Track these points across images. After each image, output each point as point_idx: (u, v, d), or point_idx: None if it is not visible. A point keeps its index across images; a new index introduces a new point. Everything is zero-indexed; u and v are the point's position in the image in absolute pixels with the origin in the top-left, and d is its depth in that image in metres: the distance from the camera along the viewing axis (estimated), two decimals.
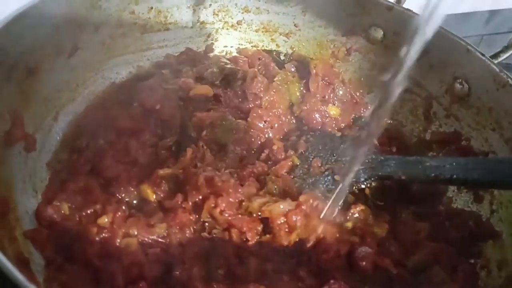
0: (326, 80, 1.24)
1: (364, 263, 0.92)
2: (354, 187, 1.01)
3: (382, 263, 0.93)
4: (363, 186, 1.02)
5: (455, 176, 0.92)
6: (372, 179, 1.02)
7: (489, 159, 1.05)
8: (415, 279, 0.93)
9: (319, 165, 1.06)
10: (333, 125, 1.21)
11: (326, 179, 1.03)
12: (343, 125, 1.22)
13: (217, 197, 0.92)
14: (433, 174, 0.95)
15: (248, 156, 1.08)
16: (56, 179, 0.96)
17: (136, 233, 0.86)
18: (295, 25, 1.29)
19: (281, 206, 0.93)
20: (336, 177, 1.03)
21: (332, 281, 0.84)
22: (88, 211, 0.89)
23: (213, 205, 0.92)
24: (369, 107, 1.27)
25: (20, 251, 0.81)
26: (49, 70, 1.01)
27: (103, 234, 0.85)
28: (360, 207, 1.00)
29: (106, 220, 0.86)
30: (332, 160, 1.06)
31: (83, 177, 0.94)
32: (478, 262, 0.98)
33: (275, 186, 0.99)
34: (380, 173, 1.01)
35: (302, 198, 0.94)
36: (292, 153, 1.08)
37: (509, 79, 1.02)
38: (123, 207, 0.90)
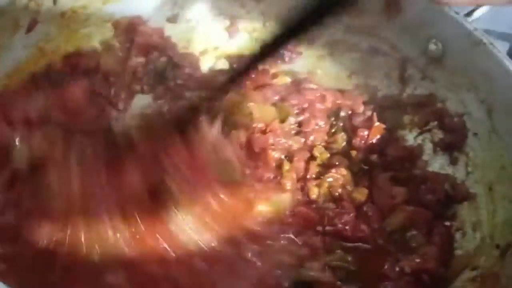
0: None
1: (346, 227, 0.94)
2: None
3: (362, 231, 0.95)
4: None
5: None
6: None
7: None
8: (393, 244, 0.95)
9: None
10: None
11: None
12: None
13: None
14: None
15: None
16: None
17: None
18: None
19: None
20: None
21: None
22: None
23: None
24: None
25: None
26: (6, 47, 0.98)
27: None
28: (341, 172, 1.01)
29: None
30: None
31: None
32: (453, 224, 0.98)
33: None
34: None
35: None
36: None
37: (483, 38, 1.00)
38: None
